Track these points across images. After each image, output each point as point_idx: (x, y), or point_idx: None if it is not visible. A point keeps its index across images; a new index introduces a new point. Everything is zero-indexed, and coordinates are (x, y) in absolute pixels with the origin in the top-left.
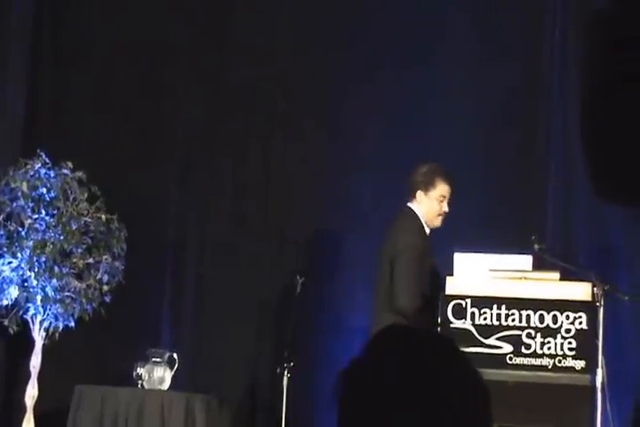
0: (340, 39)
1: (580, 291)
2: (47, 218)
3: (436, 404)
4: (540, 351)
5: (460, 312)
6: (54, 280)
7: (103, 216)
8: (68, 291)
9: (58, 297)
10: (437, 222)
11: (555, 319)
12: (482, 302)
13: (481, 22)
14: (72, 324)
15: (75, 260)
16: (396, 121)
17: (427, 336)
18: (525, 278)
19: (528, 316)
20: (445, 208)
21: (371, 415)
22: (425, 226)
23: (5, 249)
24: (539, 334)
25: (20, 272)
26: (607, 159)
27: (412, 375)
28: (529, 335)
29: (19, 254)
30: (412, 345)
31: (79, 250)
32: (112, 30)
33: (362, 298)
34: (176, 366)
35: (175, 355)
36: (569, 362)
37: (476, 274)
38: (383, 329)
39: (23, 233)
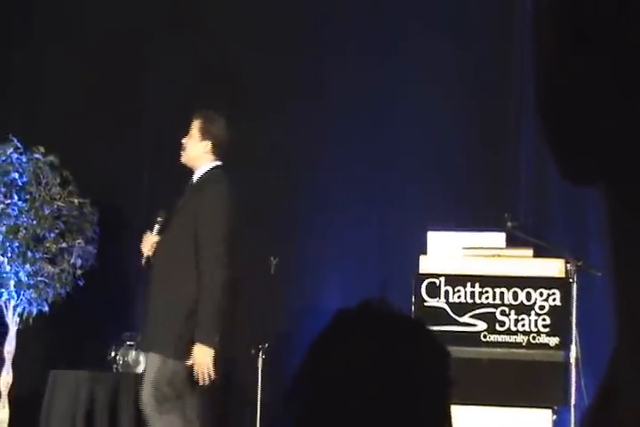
0: (311, 23)
1: (554, 267)
2: (19, 203)
3: (403, 385)
4: (514, 328)
5: (433, 291)
6: (27, 265)
7: (76, 200)
8: (42, 276)
9: (31, 282)
10: None
11: (528, 296)
12: (456, 280)
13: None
14: (46, 309)
15: (48, 244)
16: (368, 106)
17: (393, 316)
18: (499, 256)
19: (502, 293)
20: None
21: (336, 397)
22: None
23: None
24: (513, 312)
25: None
26: (566, 139)
27: (378, 355)
28: (503, 313)
29: None
30: (377, 324)
31: (52, 235)
32: (84, 16)
33: (335, 279)
34: None
35: None
36: (543, 339)
37: (449, 252)
38: (347, 308)
39: None
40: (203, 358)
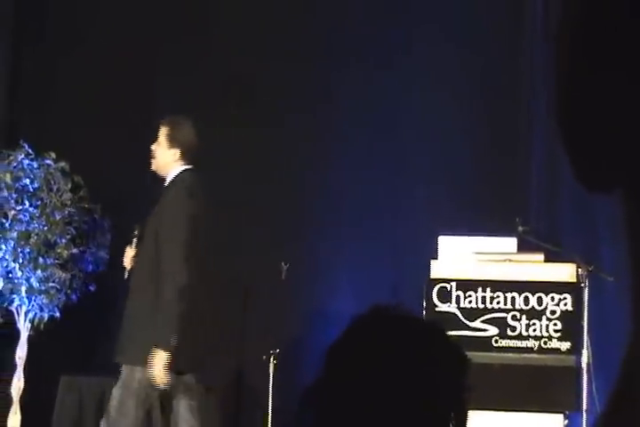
0: (319, 25)
1: (565, 272)
2: (31, 209)
3: (420, 388)
4: (525, 333)
5: (445, 296)
6: (39, 271)
7: (87, 206)
8: (53, 281)
9: (43, 288)
10: None
11: (540, 301)
12: (467, 285)
13: (461, 7)
14: (57, 314)
15: (59, 250)
16: (374, 108)
17: (410, 319)
18: (510, 261)
19: (513, 298)
20: None
21: (353, 400)
22: None
23: None
24: (524, 316)
25: (5, 264)
26: (584, 145)
27: (395, 359)
28: (514, 317)
29: (3, 246)
30: (394, 327)
31: (63, 240)
32: (96, 20)
33: (346, 283)
34: None
35: None
36: (554, 344)
37: (460, 257)
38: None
39: (7, 224)
40: (154, 361)
